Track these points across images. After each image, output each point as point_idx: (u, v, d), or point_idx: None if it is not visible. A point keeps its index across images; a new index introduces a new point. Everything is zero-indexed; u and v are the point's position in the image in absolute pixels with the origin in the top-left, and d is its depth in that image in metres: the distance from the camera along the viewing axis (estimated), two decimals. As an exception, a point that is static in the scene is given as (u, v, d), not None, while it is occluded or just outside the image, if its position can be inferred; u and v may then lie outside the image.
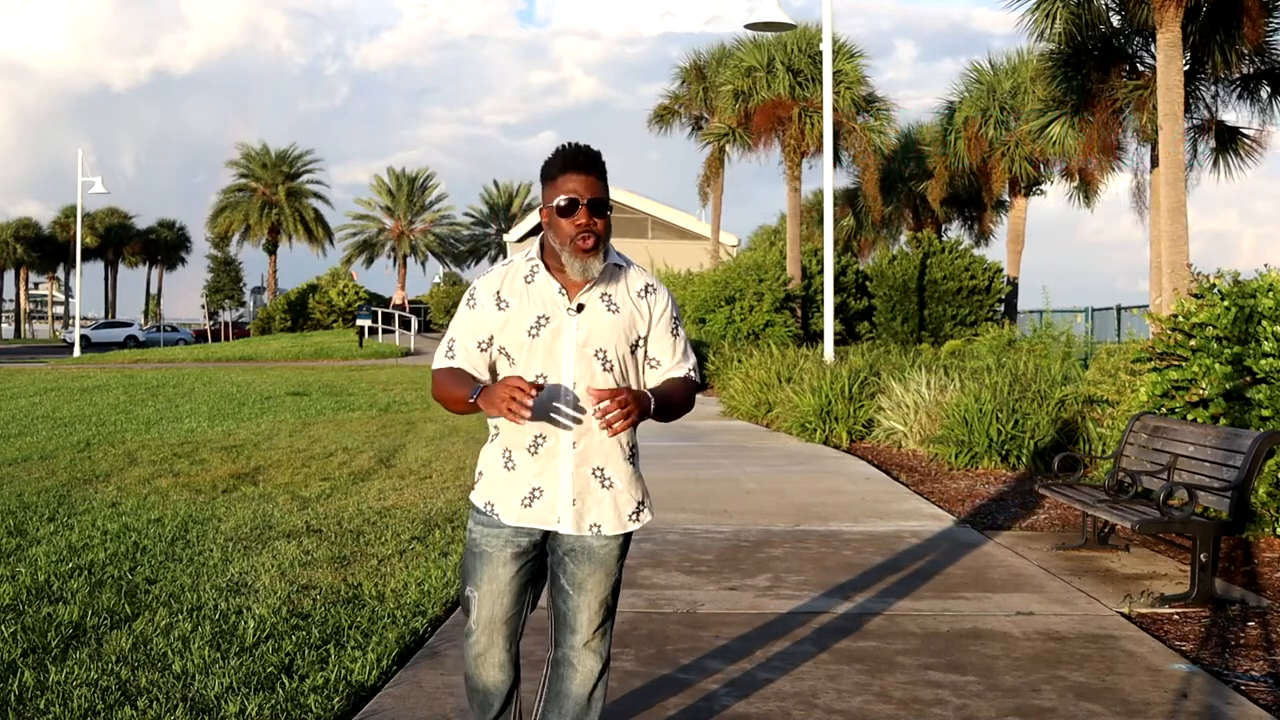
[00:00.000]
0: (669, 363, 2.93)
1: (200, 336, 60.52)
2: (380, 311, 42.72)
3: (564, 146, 2.81)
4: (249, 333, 58.45)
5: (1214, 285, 7.52)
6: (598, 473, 2.84)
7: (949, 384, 11.57)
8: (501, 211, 72.01)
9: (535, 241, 2.94)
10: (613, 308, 2.85)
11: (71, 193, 45.24)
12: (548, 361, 2.80)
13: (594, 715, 2.99)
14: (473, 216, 72.22)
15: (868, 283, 28.23)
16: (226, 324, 60.64)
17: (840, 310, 26.65)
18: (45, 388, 20.75)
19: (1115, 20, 17.83)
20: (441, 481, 9.14)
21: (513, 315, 2.83)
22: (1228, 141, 19.13)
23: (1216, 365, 6.82)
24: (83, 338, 47.00)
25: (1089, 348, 16.14)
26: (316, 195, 62.40)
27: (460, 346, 2.89)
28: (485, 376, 2.88)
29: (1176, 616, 5.26)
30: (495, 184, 73.11)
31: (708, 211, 35.88)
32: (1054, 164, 27.32)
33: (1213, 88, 18.41)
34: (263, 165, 60.82)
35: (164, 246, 78.90)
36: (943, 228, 33.81)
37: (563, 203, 2.75)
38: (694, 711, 3.94)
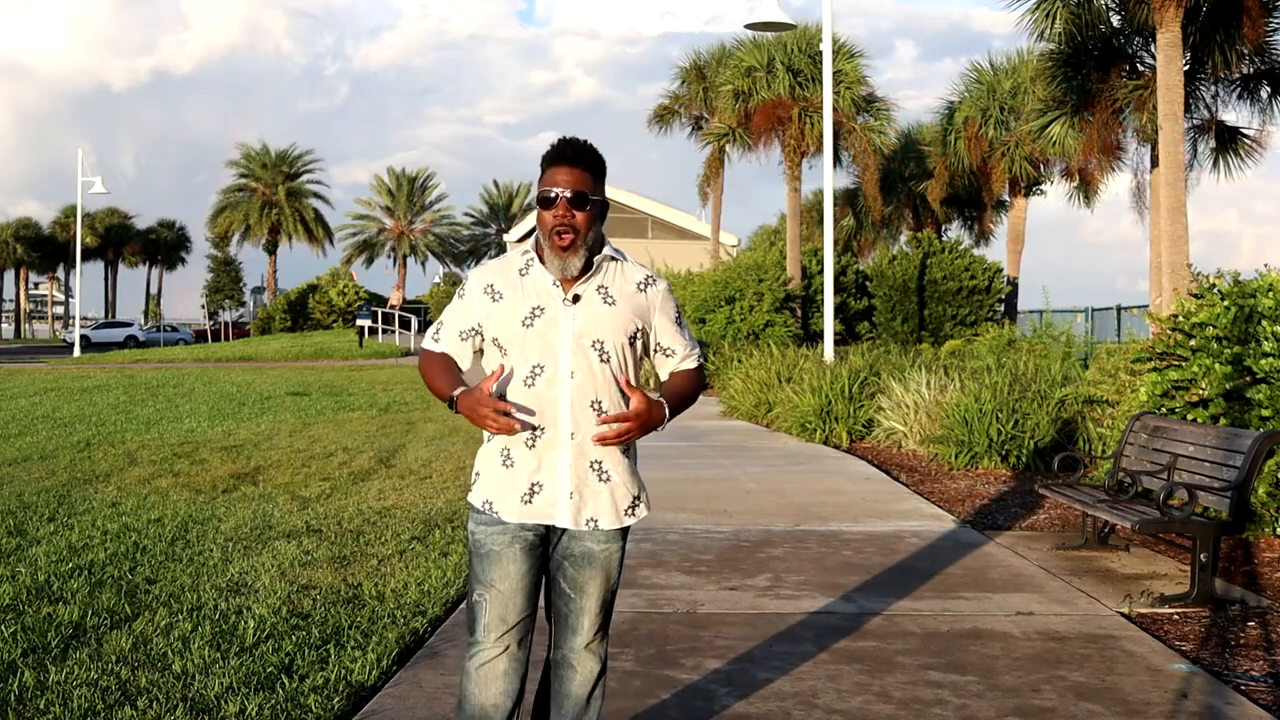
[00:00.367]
0: (682, 352, 2.96)
1: (200, 336, 60.51)
2: (380, 311, 42.72)
3: (558, 139, 2.81)
4: (249, 333, 58.45)
5: (1214, 285, 7.52)
6: (596, 465, 2.82)
7: (949, 384, 11.57)
8: (501, 211, 72.03)
9: (533, 238, 2.94)
10: (610, 300, 2.83)
11: (71, 193, 45.25)
12: (543, 352, 2.78)
13: (592, 715, 2.98)
14: (473, 216, 72.27)
15: (868, 283, 28.22)
16: (226, 324, 60.64)
17: (840, 310, 26.65)
18: (45, 388, 20.75)
19: (1115, 20, 17.83)
20: (441, 481, 9.14)
21: (505, 306, 2.82)
22: (1228, 141, 19.13)
23: (1216, 365, 6.82)
24: (83, 338, 47.00)
25: (1089, 348, 16.14)
26: (316, 195, 62.46)
27: (446, 332, 2.91)
28: (466, 364, 2.91)
29: (1176, 616, 5.26)
30: (495, 184, 73.17)
31: (708, 211, 35.90)
32: (1054, 164, 27.32)
33: (1213, 88, 18.41)
34: (263, 165, 60.84)
35: (164, 246, 78.91)
36: (943, 228, 33.81)
37: (542, 196, 2.77)
38: (694, 711, 3.94)
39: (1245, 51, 16.84)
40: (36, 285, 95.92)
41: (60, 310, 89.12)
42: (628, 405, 2.81)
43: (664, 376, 3.00)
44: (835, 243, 21.39)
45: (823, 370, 13.43)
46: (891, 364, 14.11)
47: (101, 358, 37.54)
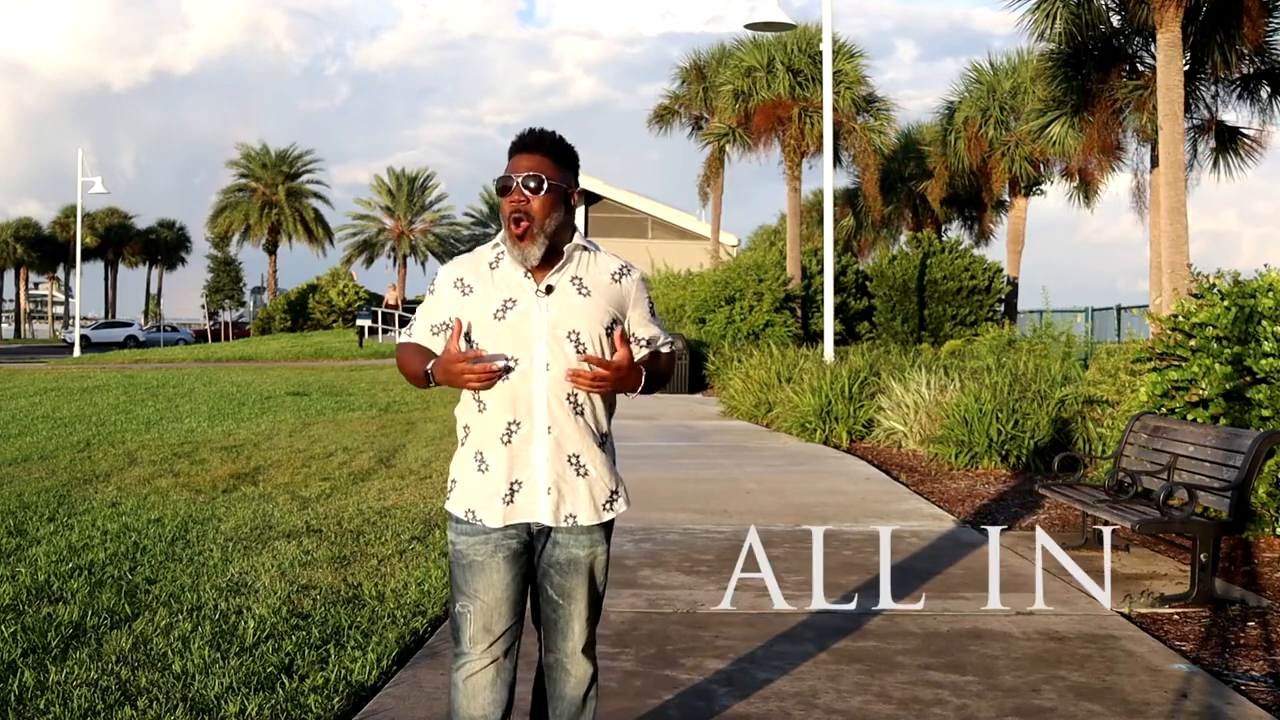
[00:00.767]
0: (661, 339, 2.94)
1: (200, 336, 60.53)
2: (380, 311, 42.71)
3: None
4: (249, 333, 58.45)
5: (1214, 285, 7.52)
6: (573, 460, 2.77)
7: (949, 384, 11.56)
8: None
9: (502, 231, 2.87)
10: (584, 291, 2.78)
11: (71, 193, 45.23)
12: (516, 344, 2.72)
13: (589, 715, 2.94)
14: (473, 216, 72.22)
15: (868, 283, 28.22)
16: (226, 324, 60.66)
17: (840, 310, 26.64)
18: (45, 388, 20.74)
19: (1115, 20, 17.84)
20: (441, 481, 9.14)
21: (475, 300, 2.77)
22: (1228, 141, 19.14)
23: (1216, 365, 6.82)
24: (83, 338, 46.99)
25: (1089, 348, 16.14)
26: (316, 195, 62.44)
27: (418, 327, 2.87)
28: None
29: (1176, 616, 5.26)
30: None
31: (708, 211, 35.93)
32: (1054, 164, 27.33)
33: (1213, 88, 18.42)
34: (263, 165, 60.83)
35: (164, 246, 78.92)
36: (943, 228, 33.82)
37: (499, 182, 2.74)
38: (694, 711, 3.94)
39: (1245, 51, 16.85)
40: (36, 285, 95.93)
41: (60, 310, 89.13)
42: (606, 401, 2.81)
43: None
44: (835, 243, 21.40)
45: (823, 370, 13.43)
46: (891, 364, 14.11)
47: (101, 358, 37.54)
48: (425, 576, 5.74)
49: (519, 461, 2.75)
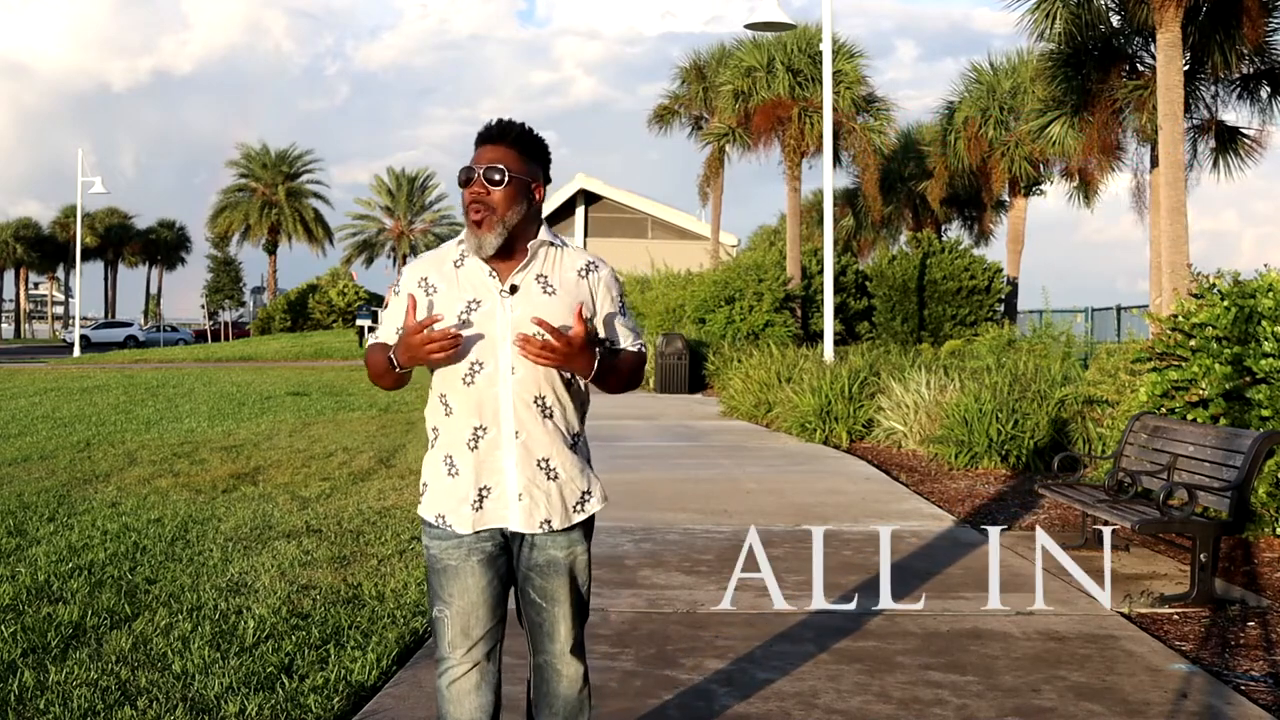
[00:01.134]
0: (624, 342, 2.81)
1: (200, 336, 60.55)
2: (380, 311, 42.67)
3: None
4: (249, 333, 58.47)
5: (1214, 285, 7.52)
6: (543, 464, 2.69)
7: (949, 384, 11.56)
8: (501, 211, 71.96)
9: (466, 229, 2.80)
10: (549, 289, 2.69)
11: (71, 193, 45.22)
12: (481, 347, 2.64)
13: (586, 714, 2.89)
14: (473, 216, 72.20)
15: (868, 283, 28.23)
16: (226, 324, 60.68)
17: (840, 310, 26.64)
18: (45, 388, 20.75)
19: (1115, 20, 17.84)
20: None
21: (439, 300, 2.68)
22: (1228, 141, 19.13)
23: (1216, 365, 6.82)
24: (82, 338, 47.00)
25: (1089, 348, 16.14)
26: (316, 195, 62.52)
27: (384, 329, 2.77)
28: None
29: (1176, 616, 5.26)
30: (495, 184, 73.07)
31: (708, 211, 35.92)
32: (1054, 164, 27.33)
33: (1213, 88, 18.42)
34: (263, 165, 60.86)
35: (164, 246, 78.93)
36: (943, 228, 33.82)
37: (462, 174, 2.67)
38: (694, 711, 3.94)
39: (1245, 51, 16.85)
40: (36, 285, 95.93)
41: (60, 310, 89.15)
42: (570, 386, 2.72)
43: None
44: (835, 243, 21.40)
45: (823, 370, 13.43)
46: (891, 364, 14.10)
47: (101, 358, 37.54)
48: (425, 576, 5.73)
49: (487, 467, 2.68)
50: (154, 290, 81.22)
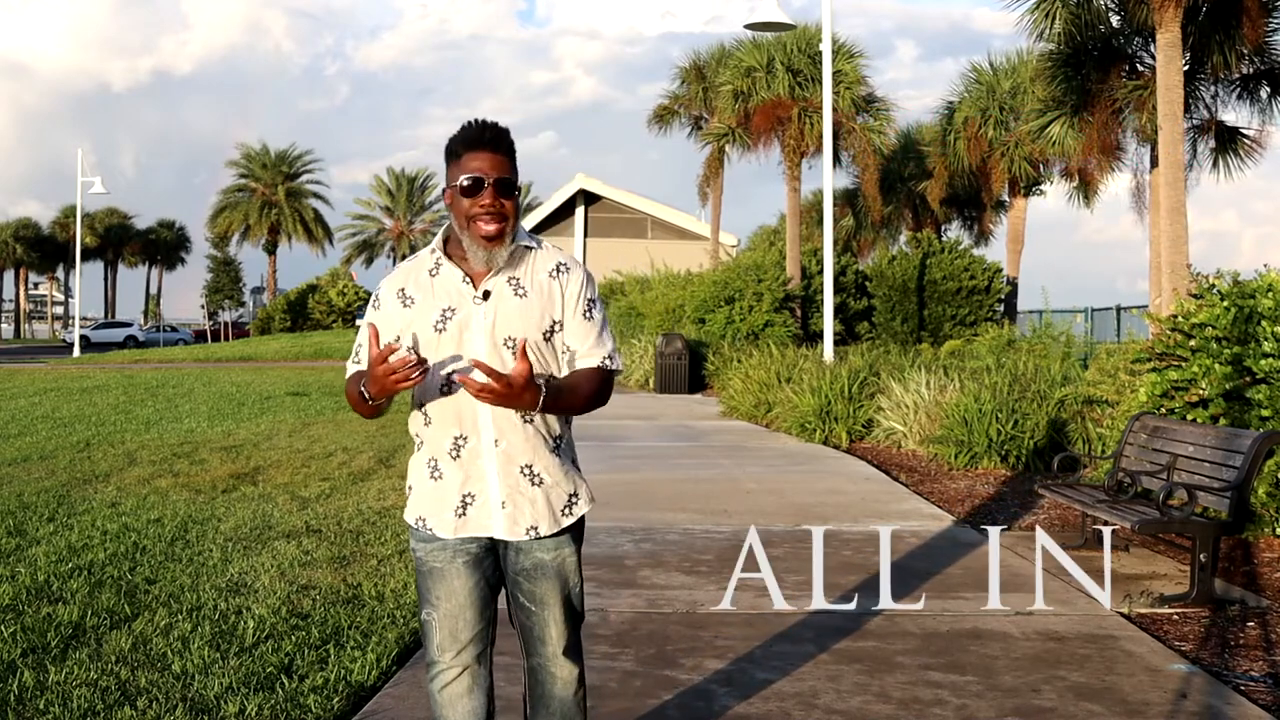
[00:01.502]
0: (582, 351, 2.68)
1: (200, 337, 60.56)
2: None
3: (469, 123, 2.62)
4: (249, 333, 58.48)
5: (1213, 285, 7.52)
6: (526, 470, 2.65)
7: (949, 384, 11.57)
8: (501, 211, 71.94)
9: (440, 233, 2.74)
10: (520, 292, 2.63)
11: (71, 193, 45.23)
12: (459, 356, 2.61)
13: (583, 717, 2.87)
14: (473, 216, 72.23)
15: (867, 283, 28.22)
16: (226, 324, 60.69)
17: (840, 310, 26.64)
18: (45, 388, 20.74)
19: (1115, 20, 17.84)
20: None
21: (417, 312, 2.63)
22: (1227, 141, 19.13)
23: (1216, 365, 6.82)
24: (82, 338, 47.02)
25: (1089, 348, 16.14)
26: (316, 195, 62.56)
27: (366, 351, 2.65)
28: None
29: (1176, 616, 5.26)
30: (495, 184, 73.04)
31: (707, 211, 35.91)
32: (1054, 164, 27.33)
33: (1213, 88, 18.42)
34: (262, 165, 60.88)
35: (164, 246, 78.93)
36: (942, 228, 33.82)
37: (466, 182, 2.56)
38: (694, 711, 3.94)
39: (1245, 51, 16.85)
40: (36, 285, 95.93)
41: (60, 310, 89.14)
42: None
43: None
44: (835, 243, 21.39)
45: (822, 370, 13.43)
46: (891, 364, 14.11)
47: (101, 358, 37.54)
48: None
49: (470, 475, 2.66)
50: (154, 290, 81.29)
